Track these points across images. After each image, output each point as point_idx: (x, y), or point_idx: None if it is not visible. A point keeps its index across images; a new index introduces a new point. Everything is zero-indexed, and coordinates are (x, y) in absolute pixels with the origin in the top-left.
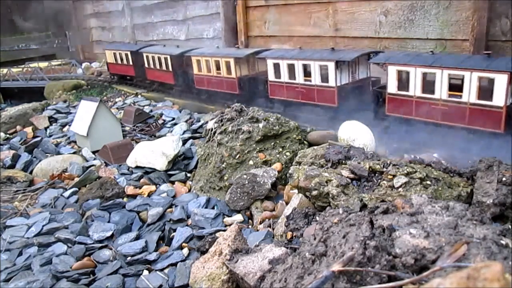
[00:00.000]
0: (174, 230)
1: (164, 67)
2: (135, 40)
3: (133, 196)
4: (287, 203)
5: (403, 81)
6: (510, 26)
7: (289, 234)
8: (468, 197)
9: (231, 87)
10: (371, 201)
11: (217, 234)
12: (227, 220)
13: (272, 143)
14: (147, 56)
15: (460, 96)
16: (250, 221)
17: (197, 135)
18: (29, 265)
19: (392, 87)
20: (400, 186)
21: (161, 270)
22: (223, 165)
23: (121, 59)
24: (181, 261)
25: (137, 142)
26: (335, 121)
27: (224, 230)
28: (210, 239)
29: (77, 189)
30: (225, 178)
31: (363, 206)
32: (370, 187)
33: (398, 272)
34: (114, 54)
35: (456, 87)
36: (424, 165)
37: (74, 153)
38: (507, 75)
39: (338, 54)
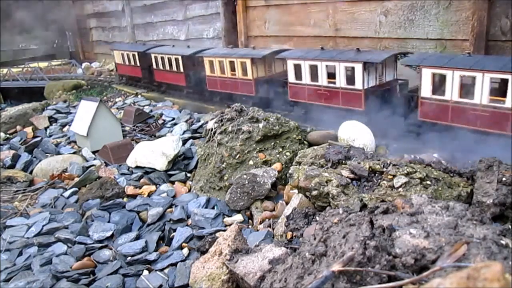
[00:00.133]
0: (174, 230)
1: (174, 68)
2: (135, 40)
3: (133, 196)
4: (287, 203)
5: (439, 85)
6: (510, 26)
7: (289, 234)
8: (468, 197)
9: (247, 89)
10: (371, 201)
11: (217, 234)
12: (227, 220)
13: (272, 143)
14: (155, 57)
15: (503, 102)
16: (250, 221)
17: (197, 135)
18: (29, 265)
19: (426, 91)
20: (400, 186)
21: (161, 270)
22: (223, 165)
23: (129, 60)
24: (181, 261)
25: (137, 142)
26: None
27: (224, 230)
28: (210, 239)
29: (77, 189)
30: (225, 178)
31: (363, 206)
32: (370, 187)
33: (398, 272)
34: (122, 54)
35: (498, 91)
36: (424, 165)
37: (74, 153)
38: None
39: (366, 55)
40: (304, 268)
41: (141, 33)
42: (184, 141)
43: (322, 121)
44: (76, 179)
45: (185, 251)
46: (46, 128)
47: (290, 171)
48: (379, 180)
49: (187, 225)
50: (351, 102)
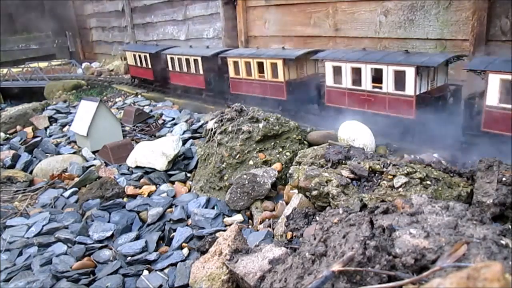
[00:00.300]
0: (174, 230)
1: (192, 70)
2: (135, 40)
3: (133, 196)
4: (287, 203)
5: (506, 93)
6: (510, 26)
7: (289, 234)
8: (468, 197)
9: (278, 92)
10: (371, 201)
11: (217, 234)
12: (227, 220)
13: (272, 143)
14: (171, 58)
15: None
16: (250, 221)
17: (197, 135)
18: (29, 265)
19: (492, 99)
20: (400, 186)
21: (161, 270)
22: (223, 165)
23: (140, 61)
24: (181, 261)
25: (137, 142)
26: (412, 136)
27: (224, 230)
28: (210, 239)
29: (77, 189)
30: (225, 178)
31: (363, 206)
32: (370, 187)
33: (398, 272)
34: (134, 56)
35: None
36: (424, 165)
37: (74, 153)
38: None
39: (418, 58)
40: (304, 268)
41: (141, 33)
42: (184, 141)
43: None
44: (76, 179)
45: (185, 251)
46: (46, 128)
47: (290, 171)
48: (379, 180)
49: (187, 225)
50: (400, 109)
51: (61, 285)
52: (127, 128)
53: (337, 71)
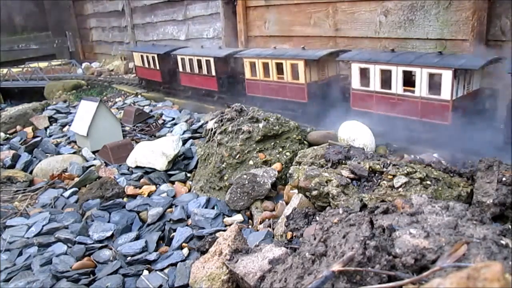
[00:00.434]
0: (174, 230)
1: (204, 71)
2: (135, 40)
3: (133, 196)
4: (287, 203)
5: None
6: (510, 26)
7: (289, 234)
8: (468, 197)
9: (299, 94)
10: (371, 201)
11: (217, 234)
12: (227, 220)
13: (272, 143)
14: (182, 59)
15: None
16: (250, 221)
17: (197, 135)
18: (29, 265)
19: None
20: (400, 186)
21: (161, 270)
22: (223, 165)
23: (148, 63)
24: (181, 261)
25: (137, 142)
26: (447, 143)
27: (224, 230)
28: (210, 239)
29: (77, 189)
30: (225, 178)
31: (363, 206)
32: (370, 187)
33: (398, 272)
34: (142, 56)
35: None
36: (424, 165)
37: (74, 153)
38: None
39: (456, 60)
40: (304, 268)
41: (141, 33)
42: (184, 141)
43: (395, 135)
44: (76, 179)
45: (185, 251)
46: (46, 128)
47: (290, 171)
48: (379, 180)
49: (187, 225)
50: (434, 114)
51: (61, 285)
52: (127, 128)
53: (364, 73)
